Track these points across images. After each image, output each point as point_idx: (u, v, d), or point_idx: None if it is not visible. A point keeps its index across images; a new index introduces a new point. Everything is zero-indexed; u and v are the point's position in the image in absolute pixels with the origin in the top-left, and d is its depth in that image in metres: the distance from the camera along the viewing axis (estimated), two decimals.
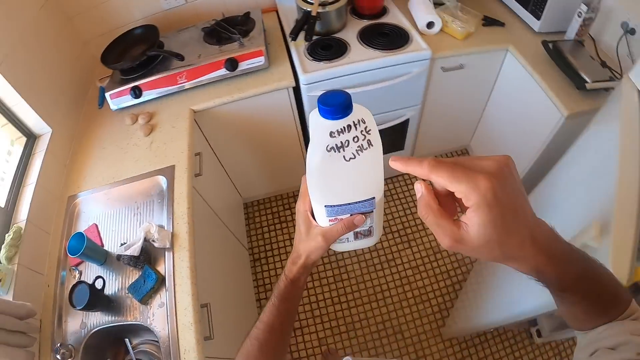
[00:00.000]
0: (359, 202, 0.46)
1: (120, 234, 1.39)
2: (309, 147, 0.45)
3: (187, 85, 1.65)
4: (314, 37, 1.67)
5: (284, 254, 2.26)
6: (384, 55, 1.63)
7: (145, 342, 1.38)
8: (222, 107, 1.66)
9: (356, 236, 0.53)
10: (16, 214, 1.41)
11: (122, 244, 1.33)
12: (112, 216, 1.44)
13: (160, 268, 1.28)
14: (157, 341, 1.18)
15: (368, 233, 0.53)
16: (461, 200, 0.35)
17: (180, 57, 1.60)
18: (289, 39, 1.70)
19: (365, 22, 1.79)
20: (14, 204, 1.43)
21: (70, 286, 1.23)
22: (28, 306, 1.21)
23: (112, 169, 1.54)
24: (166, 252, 1.28)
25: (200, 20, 1.88)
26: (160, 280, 1.25)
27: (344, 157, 0.43)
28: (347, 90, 0.43)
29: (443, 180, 0.35)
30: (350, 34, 1.74)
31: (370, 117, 0.44)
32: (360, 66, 1.61)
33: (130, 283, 1.27)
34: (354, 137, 0.43)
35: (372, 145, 0.43)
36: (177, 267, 1.25)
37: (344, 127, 0.42)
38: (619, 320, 0.41)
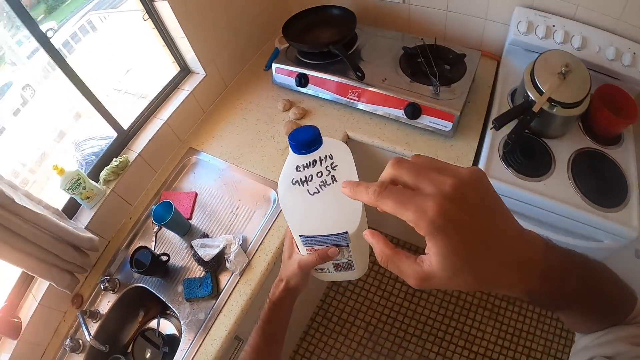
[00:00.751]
0: (332, 235, 0.46)
1: (212, 219, 1.33)
2: (280, 177, 0.46)
3: (355, 104, 1.43)
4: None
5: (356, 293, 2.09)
6: (586, 206, 1.21)
7: (176, 316, 1.37)
8: (376, 148, 1.42)
9: (336, 268, 0.53)
10: (133, 142, 1.41)
11: (203, 235, 1.27)
12: (214, 197, 1.38)
13: (222, 281, 1.21)
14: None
15: (348, 266, 0.52)
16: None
17: (360, 75, 1.37)
18: (490, 125, 1.30)
19: (589, 143, 1.34)
20: (136, 131, 1.42)
21: (137, 246, 1.26)
22: (94, 242, 1.23)
23: (240, 149, 1.45)
24: (233, 274, 1.19)
25: (409, 30, 1.60)
26: (213, 296, 1.18)
27: (308, 191, 0.44)
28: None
29: (390, 209, 0.31)
30: (562, 150, 1.31)
31: (344, 153, 0.45)
32: (551, 205, 1.23)
33: (190, 276, 1.23)
34: (317, 173, 0.44)
35: (335, 181, 0.44)
36: (233, 298, 1.16)
37: (309, 162, 0.44)
38: (620, 325, 0.38)
